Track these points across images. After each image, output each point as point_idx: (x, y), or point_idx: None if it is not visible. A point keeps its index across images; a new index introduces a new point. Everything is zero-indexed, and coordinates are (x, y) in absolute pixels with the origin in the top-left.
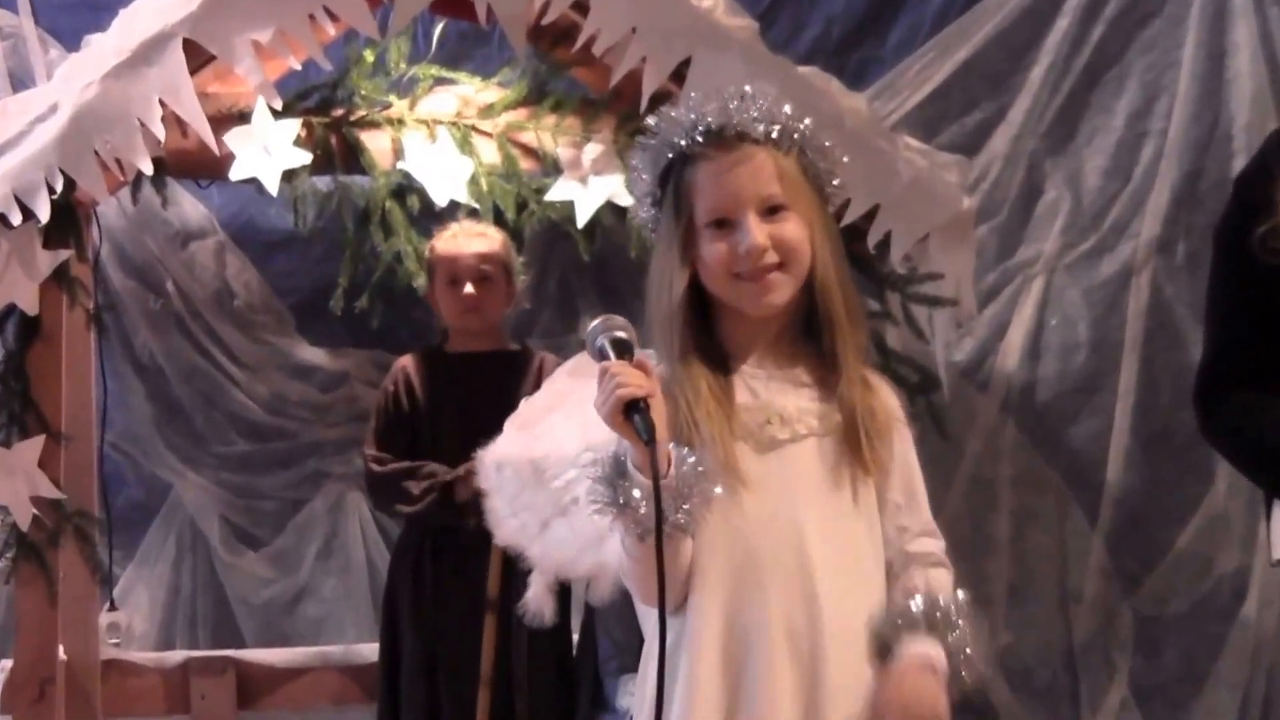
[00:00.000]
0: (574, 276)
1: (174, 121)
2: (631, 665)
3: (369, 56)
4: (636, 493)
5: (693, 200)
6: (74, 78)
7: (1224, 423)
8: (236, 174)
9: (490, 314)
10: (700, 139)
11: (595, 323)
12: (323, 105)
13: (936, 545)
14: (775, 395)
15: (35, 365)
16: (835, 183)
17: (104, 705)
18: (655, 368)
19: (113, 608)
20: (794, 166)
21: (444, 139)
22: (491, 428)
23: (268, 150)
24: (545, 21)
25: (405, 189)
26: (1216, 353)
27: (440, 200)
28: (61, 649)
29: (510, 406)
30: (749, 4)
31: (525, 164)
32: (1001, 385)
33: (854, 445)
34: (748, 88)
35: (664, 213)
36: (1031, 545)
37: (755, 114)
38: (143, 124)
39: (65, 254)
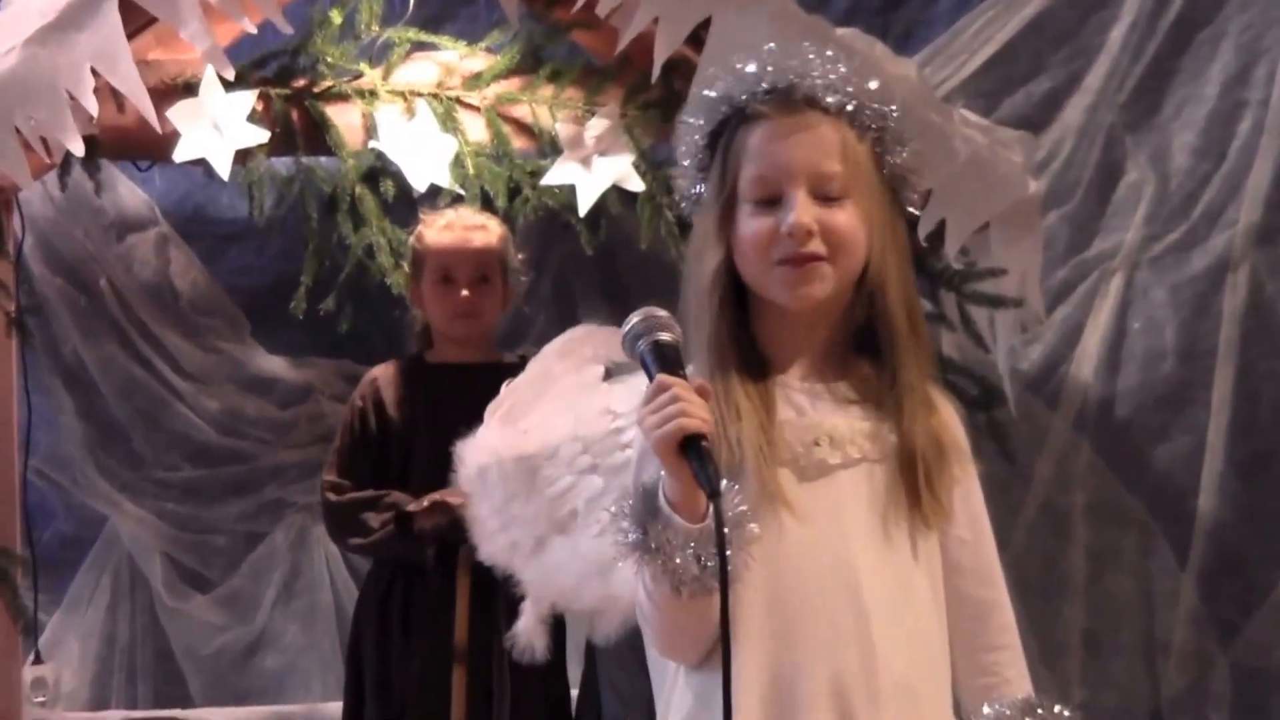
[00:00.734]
0: (575, 274)
1: (108, 94)
2: None
3: (335, 17)
4: (672, 538)
5: (739, 166)
6: None
7: None
8: (182, 155)
9: (487, 321)
10: (762, 97)
11: (634, 319)
12: (282, 74)
13: (995, 595)
14: (824, 412)
15: None
16: (912, 192)
17: None
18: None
19: (38, 661)
20: (864, 152)
21: (423, 113)
22: None
23: (218, 127)
24: None
25: (378, 172)
26: None
27: (419, 185)
28: None
29: None
30: None
31: (518, 142)
32: (1075, 399)
33: (912, 482)
34: (830, 50)
35: (709, 182)
36: (1111, 587)
37: (832, 79)
38: (72, 97)
39: None
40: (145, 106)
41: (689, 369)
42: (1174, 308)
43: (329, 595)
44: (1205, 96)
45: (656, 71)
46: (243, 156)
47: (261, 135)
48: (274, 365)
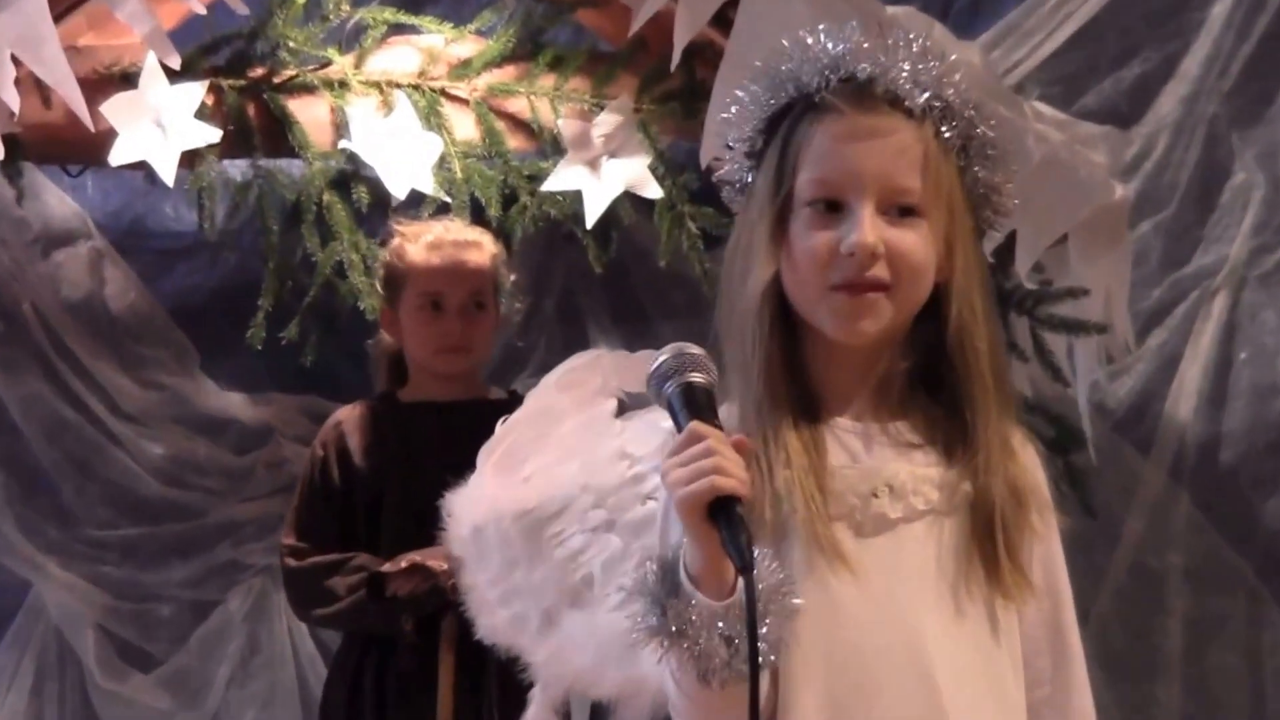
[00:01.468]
0: (582, 296)
1: (32, 86)
2: None
3: None
4: (695, 617)
5: (800, 163)
6: None
7: None
8: (119, 157)
9: (478, 355)
10: (836, 85)
11: (663, 356)
12: (236, 62)
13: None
14: (882, 458)
15: None
16: (994, 213)
17: None
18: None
19: None
20: (949, 166)
21: (402, 108)
22: None
23: (161, 125)
24: None
25: (349, 176)
26: None
27: (398, 192)
28: None
29: None
30: None
31: (514, 141)
32: (1171, 442)
33: (989, 548)
34: (929, 41)
35: (761, 172)
36: (1214, 664)
37: (922, 77)
38: None
39: None
40: (75, 100)
41: (723, 408)
42: None
43: (292, 674)
44: None
45: (677, 57)
46: (190, 159)
47: (212, 134)
48: (227, 403)
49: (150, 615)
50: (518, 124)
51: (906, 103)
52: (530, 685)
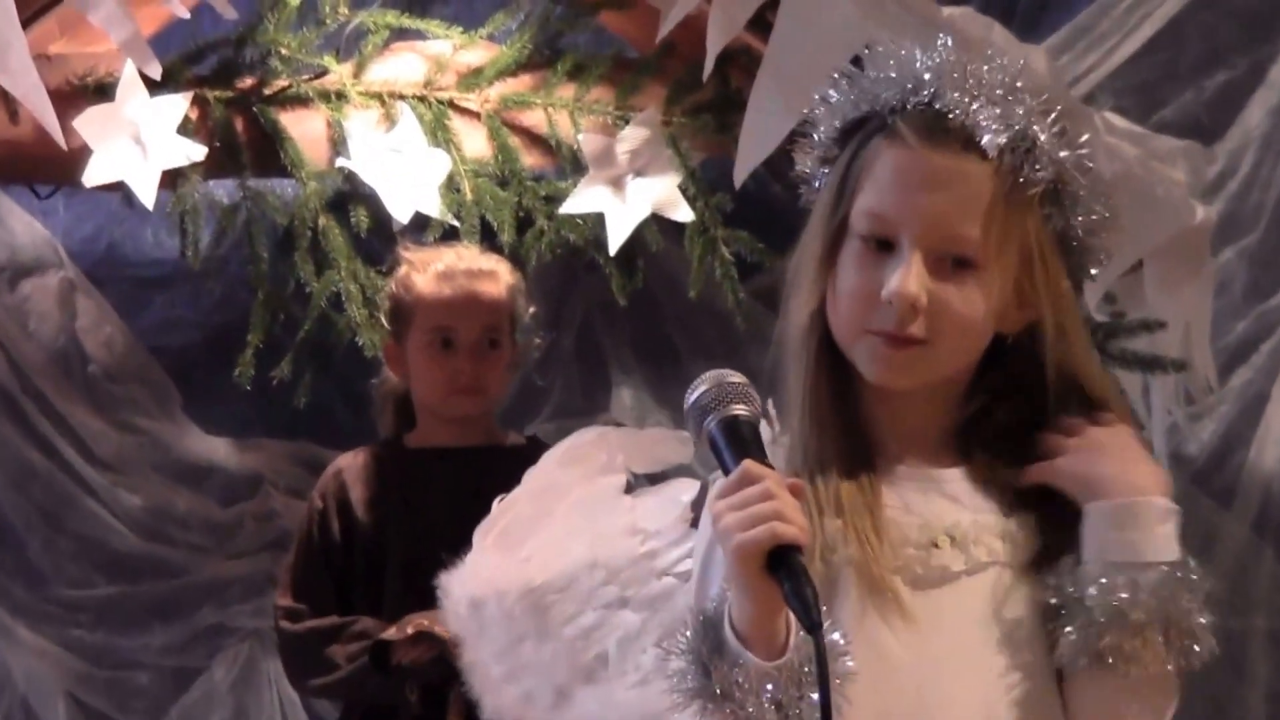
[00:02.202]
0: (604, 330)
1: None
2: None
3: None
4: (743, 679)
5: (859, 187)
6: None
7: None
8: (93, 178)
9: (493, 395)
10: (911, 108)
11: (702, 387)
12: (223, 72)
13: None
14: (942, 505)
15: None
16: (1093, 268)
17: None
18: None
19: None
20: (1023, 211)
21: (406, 122)
22: None
23: (140, 142)
24: None
25: (347, 198)
26: None
27: (401, 215)
28: None
29: None
30: None
31: (529, 158)
32: (1256, 493)
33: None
34: (1009, 67)
35: (824, 185)
36: None
37: (1007, 113)
38: None
39: None
40: (45, 114)
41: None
42: None
43: None
44: None
45: (710, 65)
46: (172, 179)
47: (196, 151)
48: (212, 449)
49: (127, 684)
50: (534, 139)
51: (980, 141)
52: None
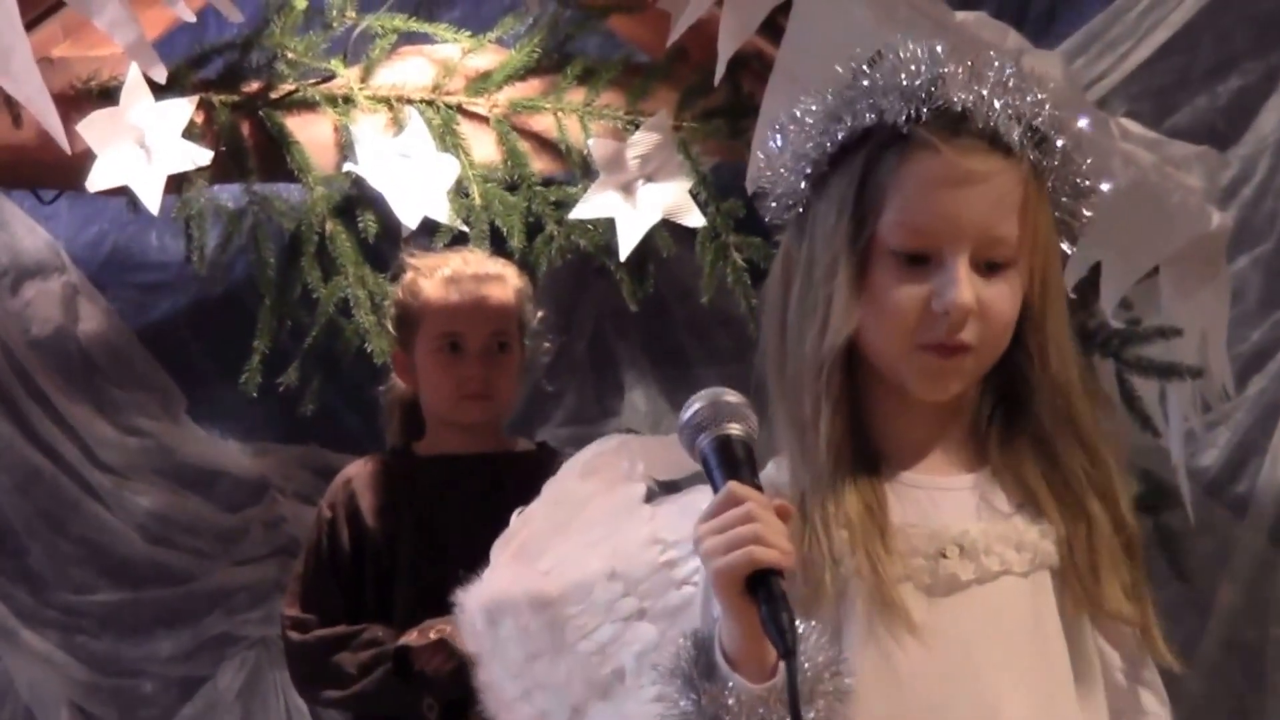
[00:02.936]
0: (616, 336)
1: (1, 103)
2: None
3: (299, 1)
4: (733, 702)
5: (885, 203)
6: None
7: None
8: (97, 183)
9: (503, 400)
10: (930, 118)
11: (697, 405)
12: (229, 76)
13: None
14: (952, 515)
15: None
16: (1070, 244)
17: None
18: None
19: None
20: (1045, 205)
21: (414, 126)
22: None
23: (145, 146)
24: None
25: (355, 203)
26: None
27: (409, 220)
28: None
29: None
30: None
31: (539, 163)
32: (1271, 502)
33: (1087, 593)
34: (1018, 64)
35: (825, 204)
36: None
37: (1019, 107)
38: None
39: None
40: (49, 118)
41: (771, 463)
42: None
43: None
44: None
45: (721, 69)
46: (177, 184)
47: (202, 156)
48: (217, 453)
49: (132, 692)
50: (543, 144)
51: (1005, 138)
52: None
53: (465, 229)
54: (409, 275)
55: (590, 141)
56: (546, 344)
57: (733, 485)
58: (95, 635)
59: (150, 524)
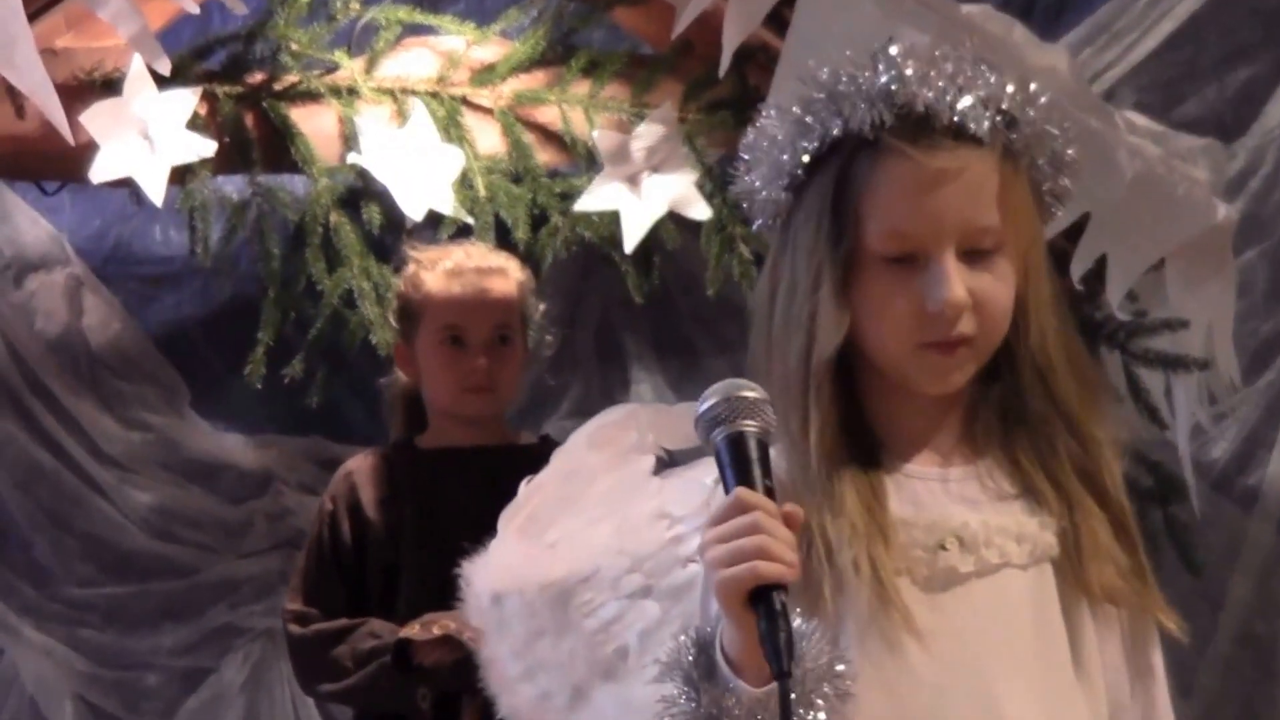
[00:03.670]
0: (622, 328)
1: (3, 93)
2: None
3: None
4: (732, 703)
5: (864, 211)
6: None
7: None
8: (101, 174)
9: (505, 394)
10: (894, 120)
11: (712, 399)
12: (232, 67)
13: None
14: (951, 506)
15: None
16: (1057, 211)
17: None
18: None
19: None
20: (1023, 186)
21: (419, 118)
22: None
23: (148, 137)
24: None
25: (359, 194)
26: None
27: (413, 212)
28: None
29: None
30: None
31: (544, 155)
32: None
33: (1078, 579)
34: (969, 48)
35: (804, 214)
36: None
37: (982, 94)
38: None
39: None
40: (52, 109)
41: (771, 450)
42: None
43: None
44: None
45: (726, 61)
46: (181, 175)
47: (206, 147)
48: (222, 446)
49: (136, 685)
50: (548, 136)
51: (971, 130)
52: None
53: (470, 220)
54: (410, 268)
55: (595, 133)
56: (549, 337)
57: (740, 493)
58: (100, 628)
59: (154, 517)
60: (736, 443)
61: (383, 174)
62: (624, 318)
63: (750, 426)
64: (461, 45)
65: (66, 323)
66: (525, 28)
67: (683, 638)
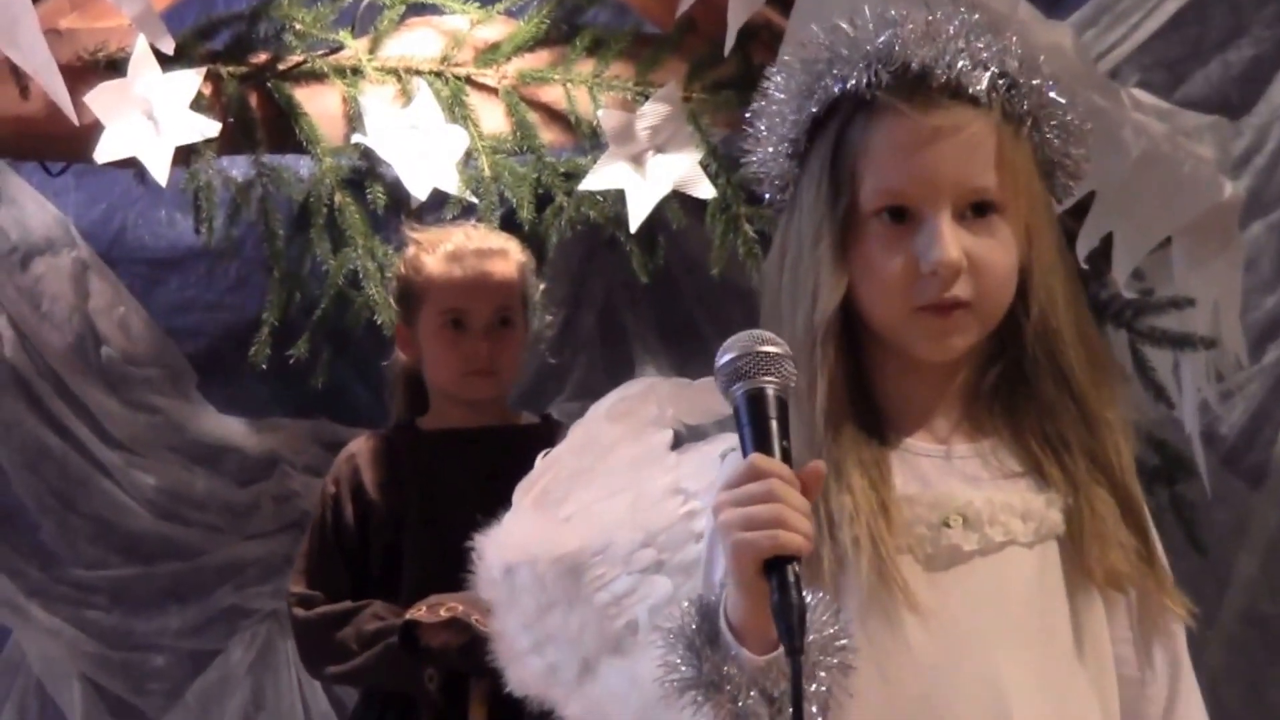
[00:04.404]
0: (626, 308)
1: (8, 74)
2: None
3: None
4: (735, 672)
5: (860, 170)
6: None
7: None
8: (105, 154)
9: (507, 377)
10: (890, 80)
11: (733, 351)
12: (236, 47)
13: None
14: (955, 483)
15: None
16: (1073, 182)
17: None
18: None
19: None
20: (1022, 146)
21: (423, 98)
22: None
23: (153, 118)
24: None
25: (364, 175)
26: None
27: (418, 192)
28: None
29: None
30: None
31: (548, 135)
32: None
33: (1082, 581)
34: (963, 11)
35: (807, 178)
36: None
37: (981, 56)
38: None
39: None
40: (56, 90)
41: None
42: None
43: None
44: None
45: (731, 40)
46: (185, 156)
47: (210, 128)
48: (228, 429)
49: (143, 666)
50: (552, 115)
51: (970, 89)
52: None
53: (474, 200)
54: (411, 250)
55: (600, 113)
56: (550, 317)
57: (755, 459)
58: (106, 610)
59: (161, 499)
60: (756, 400)
61: (387, 154)
62: (627, 298)
63: (769, 384)
64: (465, 25)
65: (73, 306)
66: (529, 7)
67: (685, 604)
